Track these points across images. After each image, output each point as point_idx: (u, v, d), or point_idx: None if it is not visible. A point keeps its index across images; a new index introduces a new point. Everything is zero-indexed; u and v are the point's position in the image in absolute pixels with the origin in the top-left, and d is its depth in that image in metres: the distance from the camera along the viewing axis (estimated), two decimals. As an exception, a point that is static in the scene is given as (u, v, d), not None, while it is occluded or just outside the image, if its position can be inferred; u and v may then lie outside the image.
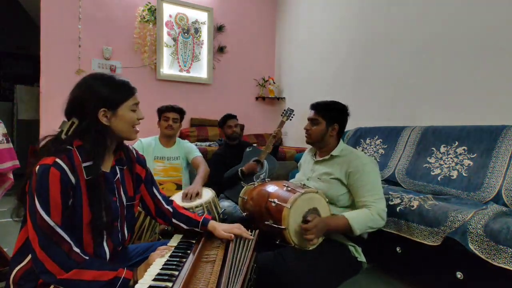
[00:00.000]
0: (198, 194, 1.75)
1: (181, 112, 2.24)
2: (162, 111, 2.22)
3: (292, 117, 2.39)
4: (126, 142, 1.11)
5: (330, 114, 1.52)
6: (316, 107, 1.55)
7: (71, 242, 0.83)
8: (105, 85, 0.94)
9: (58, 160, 0.83)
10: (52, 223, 0.80)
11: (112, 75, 0.98)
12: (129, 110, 0.96)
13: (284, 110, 2.39)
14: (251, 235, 1.07)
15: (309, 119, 1.56)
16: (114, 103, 0.93)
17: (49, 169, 0.81)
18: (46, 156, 0.84)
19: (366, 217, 1.32)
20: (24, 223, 0.89)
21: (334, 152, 1.50)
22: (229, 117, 2.48)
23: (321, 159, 1.55)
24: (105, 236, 0.94)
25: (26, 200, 0.84)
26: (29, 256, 0.86)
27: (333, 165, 1.49)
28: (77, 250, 0.84)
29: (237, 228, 1.08)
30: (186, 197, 1.72)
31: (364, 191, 1.37)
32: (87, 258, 0.85)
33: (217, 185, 2.15)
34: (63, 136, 0.91)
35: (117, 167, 1.02)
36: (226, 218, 1.78)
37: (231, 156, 2.37)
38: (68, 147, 0.89)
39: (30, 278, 0.85)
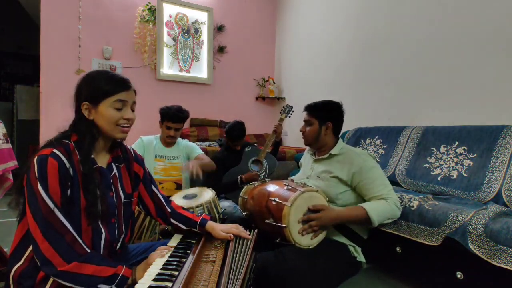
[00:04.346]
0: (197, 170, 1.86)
1: (185, 119, 2.14)
2: (164, 118, 2.10)
3: (291, 114, 2.38)
4: (126, 142, 1.11)
5: (322, 113, 1.53)
6: (308, 108, 1.58)
7: (74, 233, 0.84)
8: (92, 80, 0.96)
9: (55, 150, 0.85)
10: (52, 206, 0.81)
11: (107, 72, 0.99)
12: (110, 107, 0.94)
13: (283, 107, 2.38)
14: (249, 235, 1.08)
15: (304, 121, 1.59)
16: (95, 97, 0.94)
17: (47, 159, 0.83)
18: (44, 148, 0.86)
19: (385, 208, 1.34)
20: (21, 220, 0.89)
21: (333, 151, 1.51)
22: (242, 136, 2.32)
23: (320, 157, 1.56)
24: (103, 232, 0.94)
25: (24, 194, 0.85)
26: (27, 253, 0.87)
27: (333, 163, 1.49)
28: (80, 241, 0.85)
29: (235, 228, 1.08)
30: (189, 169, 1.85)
31: (376, 186, 1.38)
32: (89, 251, 0.86)
33: (216, 187, 2.14)
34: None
35: (113, 164, 1.03)
36: (226, 218, 1.78)
37: (231, 157, 2.36)
38: (66, 141, 0.91)
39: (29, 275, 0.86)
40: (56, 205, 0.82)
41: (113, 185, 1.00)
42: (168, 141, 2.18)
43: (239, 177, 2.17)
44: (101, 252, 0.94)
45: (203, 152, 2.23)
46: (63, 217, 0.83)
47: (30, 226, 0.81)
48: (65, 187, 0.85)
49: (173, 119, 2.08)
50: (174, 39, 3.75)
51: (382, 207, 1.34)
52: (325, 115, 1.53)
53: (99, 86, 0.94)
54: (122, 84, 0.97)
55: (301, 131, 1.60)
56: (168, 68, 3.74)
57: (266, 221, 1.31)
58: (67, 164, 0.86)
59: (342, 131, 1.64)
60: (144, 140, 2.18)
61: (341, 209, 1.37)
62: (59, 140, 0.91)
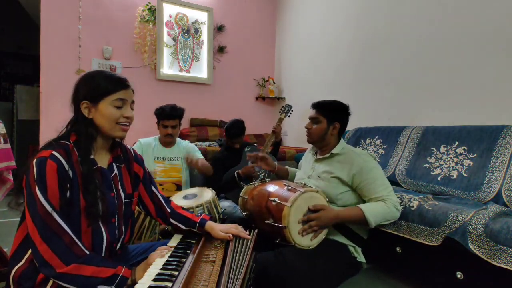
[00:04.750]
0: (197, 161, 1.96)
1: (180, 116, 2.14)
2: (160, 117, 2.11)
3: (290, 113, 2.37)
4: (125, 143, 1.11)
5: (331, 113, 1.53)
6: (317, 106, 1.56)
7: (72, 235, 0.84)
8: (91, 79, 0.96)
9: (54, 152, 0.85)
10: (49, 209, 0.81)
11: (105, 71, 1.00)
12: (110, 105, 0.94)
13: (283, 106, 2.38)
14: (249, 235, 1.07)
15: (310, 118, 1.57)
16: (95, 96, 0.94)
17: (46, 161, 0.83)
18: (43, 150, 0.86)
19: (383, 209, 1.35)
20: (21, 222, 0.89)
21: (334, 151, 1.51)
22: (241, 134, 2.36)
23: (321, 157, 1.56)
24: (104, 233, 0.94)
25: (23, 195, 0.85)
26: (27, 254, 0.87)
27: (334, 163, 1.49)
28: (79, 243, 0.85)
29: (235, 228, 1.08)
30: (188, 161, 1.95)
31: (376, 187, 1.38)
32: (87, 252, 0.85)
33: (216, 187, 2.14)
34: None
35: (114, 164, 1.03)
36: (226, 218, 1.78)
37: (231, 157, 2.36)
38: (65, 142, 0.91)
39: (29, 276, 0.86)
40: (54, 208, 0.82)
41: (114, 185, 1.00)
42: (168, 141, 2.17)
43: (235, 172, 2.17)
44: (103, 253, 0.94)
45: (203, 157, 2.23)
46: (61, 220, 0.83)
47: (29, 228, 0.82)
48: (64, 189, 0.85)
49: (168, 116, 2.08)
50: (174, 39, 3.74)
51: (381, 208, 1.35)
52: (334, 115, 1.53)
53: (99, 85, 0.94)
54: (122, 83, 0.98)
55: (306, 127, 1.58)
56: (168, 68, 3.74)
57: (266, 221, 1.31)
58: (66, 166, 0.86)
59: (342, 131, 1.64)
60: (142, 142, 2.16)
61: (340, 209, 1.37)
62: (58, 141, 0.91)
